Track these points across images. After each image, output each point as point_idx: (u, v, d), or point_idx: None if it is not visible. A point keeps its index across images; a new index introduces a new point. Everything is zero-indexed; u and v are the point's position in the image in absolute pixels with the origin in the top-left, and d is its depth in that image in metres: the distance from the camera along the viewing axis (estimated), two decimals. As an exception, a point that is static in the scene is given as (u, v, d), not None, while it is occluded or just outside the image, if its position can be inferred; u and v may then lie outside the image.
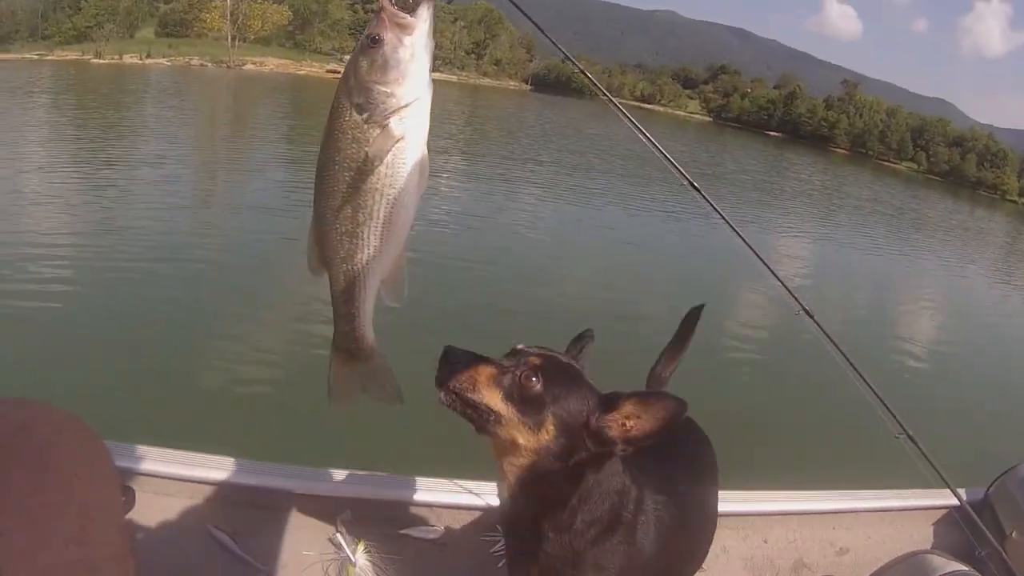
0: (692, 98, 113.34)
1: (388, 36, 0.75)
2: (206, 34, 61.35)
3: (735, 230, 1.75)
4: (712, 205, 1.74)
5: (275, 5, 65.96)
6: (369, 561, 1.79)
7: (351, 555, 1.79)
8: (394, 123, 0.78)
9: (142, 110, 22.45)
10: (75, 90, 25.29)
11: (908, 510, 2.10)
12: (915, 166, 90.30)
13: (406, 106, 0.78)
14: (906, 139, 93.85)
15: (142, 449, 1.92)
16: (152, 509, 1.82)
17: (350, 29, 71.88)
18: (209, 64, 51.67)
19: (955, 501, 1.98)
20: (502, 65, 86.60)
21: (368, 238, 0.82)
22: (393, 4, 0.76)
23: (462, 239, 9.85)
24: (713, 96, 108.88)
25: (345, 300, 0.87)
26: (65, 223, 8.04)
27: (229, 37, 58.19)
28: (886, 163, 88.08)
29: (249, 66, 54.76)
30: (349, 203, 0.80)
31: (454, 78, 71.41)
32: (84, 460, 0.72)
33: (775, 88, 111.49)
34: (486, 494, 1.98)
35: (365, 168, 0.79)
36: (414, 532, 1.89)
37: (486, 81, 79.19)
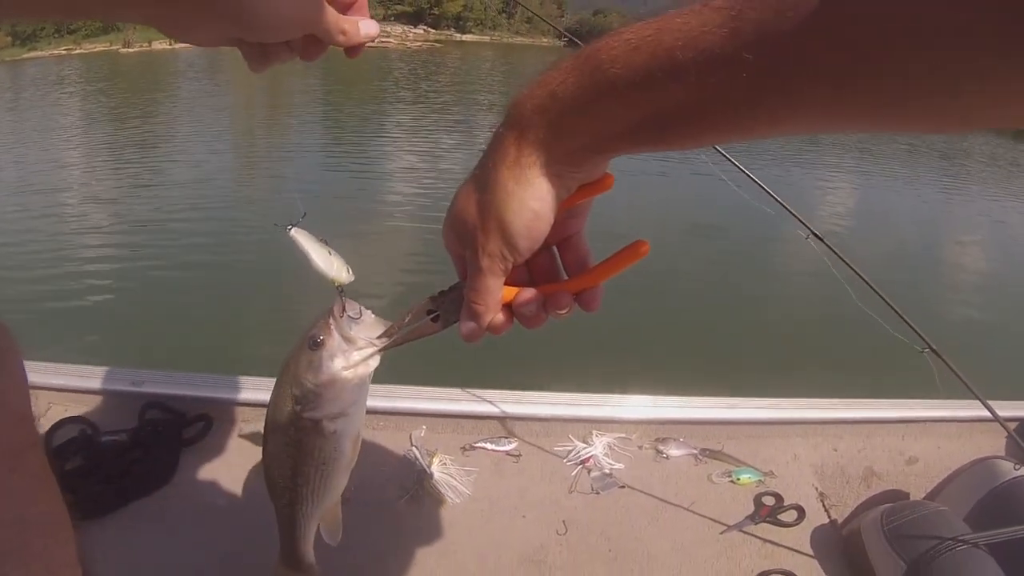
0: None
1: (330, 344, 0.77)
2: (235, 11, 61.29)
3: (731, 160, 1.72)
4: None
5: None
6: (445, 474, 1.84)
7: (427, 467, 1.84)
8: (325, 423, 0.81)
9: (180, 89, 22.66)
10: (110, 79, 25.57)
11: (980, 420, 2.06)
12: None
13: (337, 412, 0.81)
14: None
15: (216, 378, 2.01)
16: (229, 434, 1.92)
17: (386, -9, 71.36)
18: (242, 43, 51.80)
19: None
20: (534, 22, 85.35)
21: (305, 493, 0.90)
22: (343, 312, 0.77)
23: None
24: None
25: (287, 531, 0.97)
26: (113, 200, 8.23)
27: (260, 11, 57.96)
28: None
29: (282, 41, 54.79)
30: (288, 467, 0.87)
31: (487, 39, 70.54)
32: None
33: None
34: (559, 405, 2.02)
35: (300, 449, 0.84)
36: (488, 444, 1.94)
37: (519, 39, 78.01)
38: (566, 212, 0.56)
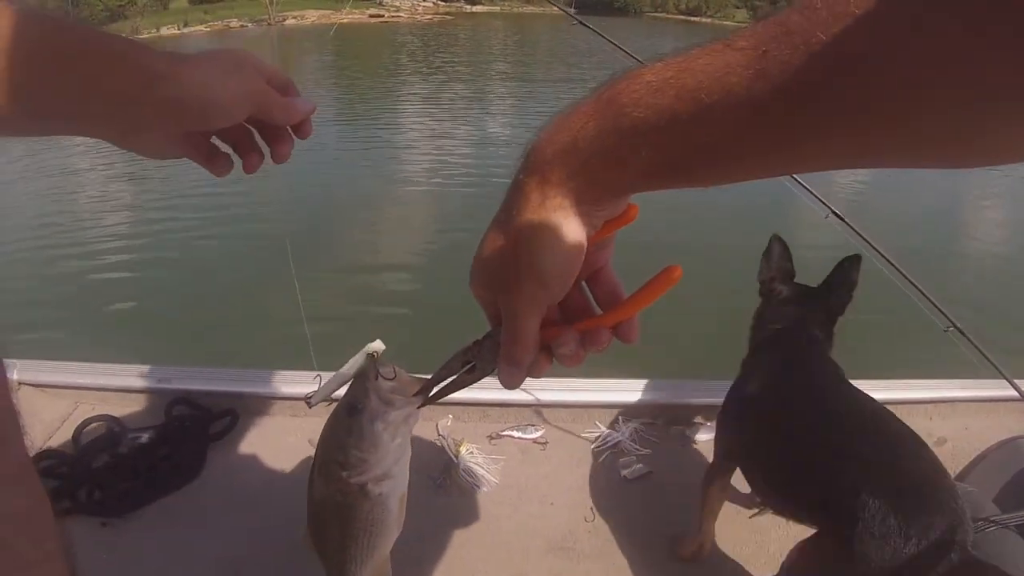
0: (739, 7, 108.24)
1: (369, 408, 0.78)
2: (241, -5, 60.86)
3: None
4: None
5: (309, -44, 64.89)
6: (472, 462, 1.84)
7: (454, 457, 1.84)
8: (371, 486, 0.83)
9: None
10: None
11: (1008, 400, 2.03)
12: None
13: (382, 475, 0.83)
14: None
15: (241, 372, 2.02)
16: (255, 428, 1.94)
17: (388, -29, 70.59)
18: (249, 24, 51.31)
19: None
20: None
21: (353, 553, 0.92)
22: (377, 375, 0.78)
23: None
24: (761, 3, 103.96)
25: None
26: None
27: (266, -6, 57.63)
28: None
29: (290, 21, 54.32)
30: (336, 529, 0.90)
31: (497, 8, 69.71)
32: None
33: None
34: (585, 391, 2.02)
35: (348, 513, 0.87)
36: (515, 432, 1.94)
37: (529, 9, 76.93)
38: (593, 246, 0.56)
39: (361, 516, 0.86)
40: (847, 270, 1.59)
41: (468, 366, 0.66)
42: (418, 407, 0.78)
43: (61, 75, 0.59)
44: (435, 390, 0.70)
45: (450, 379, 0.67)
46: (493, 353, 0.62)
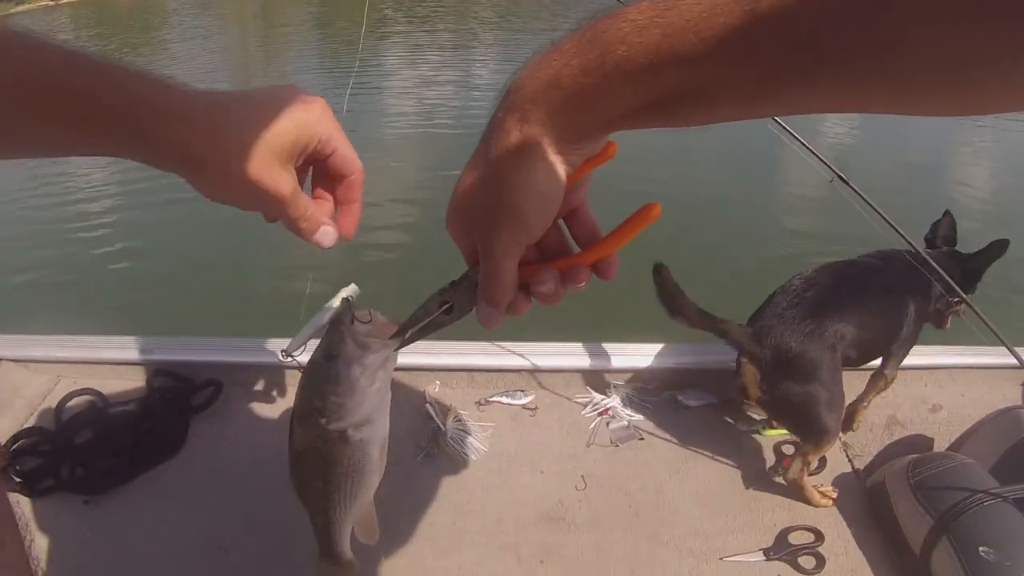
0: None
1: (345, 353, 0.77)
2: (225, -53, 59.28)
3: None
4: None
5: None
6: (460, 429, 1.82)
7: (441, 424, 1.82)
8: (351, 432, 0.82)
9: (173, 31, 22.00)
10: (102, 24, 24.80)
11: (1006, 368, 1.99)
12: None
13: (361, 420, 0.82)
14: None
15: (223, 341, 1.98)
16: (240, 398, 1.90)
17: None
18: (234, -24, 50.20)
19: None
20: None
21: (337, 499, 0.92)
22: (353, 319, 0.77)
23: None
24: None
25: (324, 535, 0.99)
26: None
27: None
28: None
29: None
30: (318, 477, 0.89)
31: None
32: None
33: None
34: (575, 355, 1.98)
35: (329, 459, 0.85)
36: (504, 399, 1.91)
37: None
38: (571, 185, 0.55)
39: (342, 462, 0.86)
40: (993, 250, 1.85)
41: (445, 307, 0.65)
42: (395, 349, 0.76)
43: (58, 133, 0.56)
44: (412, 332, 0.69)
45: (427, 320, 0.67)
46: (471, 294, 0.62)
